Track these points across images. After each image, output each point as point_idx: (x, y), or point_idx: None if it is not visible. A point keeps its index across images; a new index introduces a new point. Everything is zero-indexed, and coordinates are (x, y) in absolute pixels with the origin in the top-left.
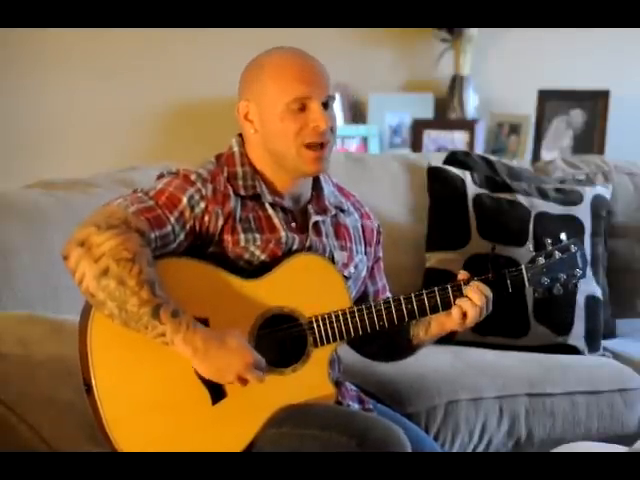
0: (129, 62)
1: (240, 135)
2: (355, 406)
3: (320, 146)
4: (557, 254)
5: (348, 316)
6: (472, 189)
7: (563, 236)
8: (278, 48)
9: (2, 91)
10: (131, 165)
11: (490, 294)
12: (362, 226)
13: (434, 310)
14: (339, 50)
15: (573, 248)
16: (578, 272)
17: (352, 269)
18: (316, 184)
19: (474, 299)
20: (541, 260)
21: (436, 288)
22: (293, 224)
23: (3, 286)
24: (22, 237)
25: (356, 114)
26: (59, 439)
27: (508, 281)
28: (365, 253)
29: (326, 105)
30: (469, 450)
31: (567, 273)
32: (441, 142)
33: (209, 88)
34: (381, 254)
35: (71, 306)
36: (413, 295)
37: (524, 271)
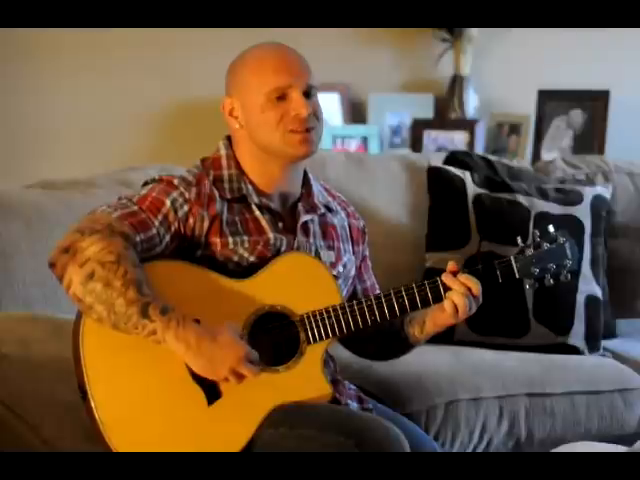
0: (128, 62)
1: (227, 138)
2: (354, 405)
3: (306, 130)
4: (545, 245)
5: (339, 312)
6: (472, 189)
7: (551, 228)
8: (258, 44)
9: (2, 91)
10: (130, 165)
11: (479, 284)
12: (349, 225)
13: (424, 303)
14: (339, 50)
15: (561, 239)
16: (568, 262)
17: (340, 268)
18: (305, 181)
19: (463, 289)
20: (529, 251)
21: (426, 281)
22: (280, 225)
23: (3, 286)
24: (22, 237)
25: (356, 114)
26: (59, 439)
27: (498, 271)
28: (353, 252)
29: (308, 94)
30: (469, 450)
31: (556, 263)
32: (441, 142)
33: (208, 88)
34: (367, 253)
35: (71, 306)
36: (403, 289)
37: (513, 261)
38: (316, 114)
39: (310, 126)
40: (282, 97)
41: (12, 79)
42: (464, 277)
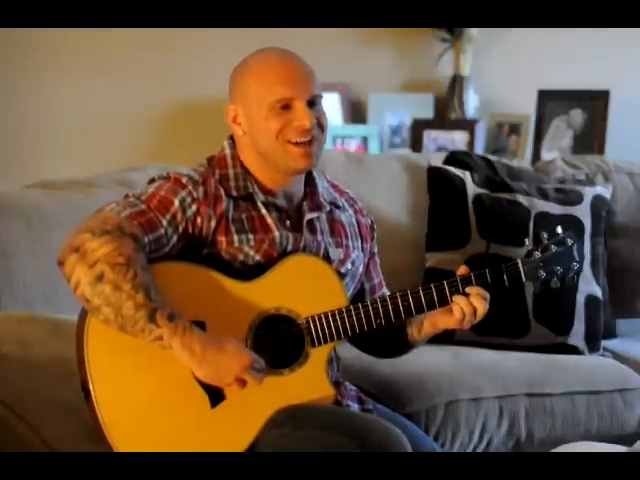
0: (129, 62)
1: (231, 137)
2: (355, 406)
3: (307, 143)
4: (553, 247)
5: (345, 315)
6: (472, 189)
7: (559, 229)
8: (262, 50)
9: (2, 91)
10: (130, 165)
11: (487, 293)
12: (357, 222)
13: (430, 306)
14: (339, 50)
15: (569, 241)
16: (575, 265)
17: (349, 265)
18: (309, 180)
19: (469, 297)
20: (537, 254)
21: (432, 284)
22: (287, 222)
23: (3, 286)
24: (22, 237)
25: (356, 114)
26: (59, 439)
27: (505, 276)
28: (362, 249)
29: (312, 103)
30: (469, 450)
31: (564, 266)
32: (441, 142)
33: (209, 88)
34: (376, 250)
35: (71, 306)
36: (409, 292)
37: (520, 265)
38: (320, 124)
39: (312, 137)
40: (286, 107)
41: (12, 79)
42: (474, 293)
